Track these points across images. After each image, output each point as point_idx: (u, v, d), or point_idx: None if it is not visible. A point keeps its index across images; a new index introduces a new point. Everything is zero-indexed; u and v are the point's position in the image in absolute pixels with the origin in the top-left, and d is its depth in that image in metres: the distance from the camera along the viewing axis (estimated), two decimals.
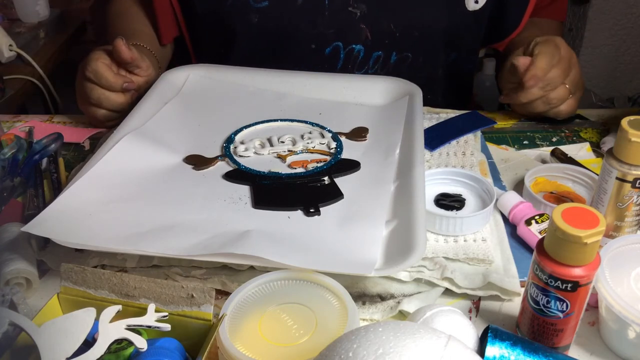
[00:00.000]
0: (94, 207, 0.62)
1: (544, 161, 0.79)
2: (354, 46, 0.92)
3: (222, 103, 0.84)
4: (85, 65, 0.79)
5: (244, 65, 0.90)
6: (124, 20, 0.97)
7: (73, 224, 0.59)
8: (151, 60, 0.88)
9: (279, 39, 0.92)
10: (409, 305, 0.55)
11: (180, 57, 1.04)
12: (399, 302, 0.56)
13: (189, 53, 1.02)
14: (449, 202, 0.66)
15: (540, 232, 0.62)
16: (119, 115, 0.82)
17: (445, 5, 0.92)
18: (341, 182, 0.68)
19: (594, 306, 0.55)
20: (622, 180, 0.57)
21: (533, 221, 0.63)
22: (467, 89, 1.08)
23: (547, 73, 0.77)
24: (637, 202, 0.58)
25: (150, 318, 0.45)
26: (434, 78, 0.85)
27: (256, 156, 0.73)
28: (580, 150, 0.80)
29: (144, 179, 0.68)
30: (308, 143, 0.75)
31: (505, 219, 0.66)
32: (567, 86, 0.80)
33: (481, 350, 0.46)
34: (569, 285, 0.46)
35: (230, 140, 0.76)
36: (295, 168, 0.71)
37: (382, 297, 0.57)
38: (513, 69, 0.80)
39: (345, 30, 0.91)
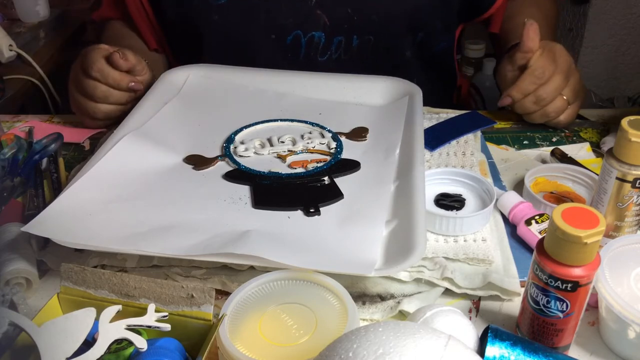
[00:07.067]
0: (94, 207, 0.62)
1: (544, 161, 0.79)
2: (314, 33, 0.92)
3: (222, 103, 0.84)
4: (91, 65, 0.80)
5: (217, 63, 0.91)
6: (116, 41, 0.99)
7: (73, 224, 0.59)
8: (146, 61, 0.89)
9: (241, 34, 0.93)
10: (409, 305, 0.55)
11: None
12: (399, 302, 0.56)
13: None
14: (449, 202, 0.66)
15: (540, 232, 0.62)
16: (120, 112, 0.83)
17: None
18: (341, 182, 0.68)
19: (594, 306, 0.55)
20: (622, 180, 0.57)
21: (533, 221, 0.63)
22: (446, 68, 1.05)
23: (528, 93, 0.79)
24: (637, 202, 0.58)
25: (150, 318, 0.45)
26: (403, 60, 0.84)
27: (256, 156, 0.73)
28: (580, 150, 0.80)
29: (144, 179, 0.68)
30: (308, 143, 0.75)
31: (505, 219, 0.66)
32: (564, 97, 0.80)
33: (481, 350, 0.46)
34: (569, 285, 0.46)
35: (230, 140, 0.76)
36: (295, 168, 0.71)
37: (382, 297, 0.57)
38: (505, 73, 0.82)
39: (302, 18, 0.91)
